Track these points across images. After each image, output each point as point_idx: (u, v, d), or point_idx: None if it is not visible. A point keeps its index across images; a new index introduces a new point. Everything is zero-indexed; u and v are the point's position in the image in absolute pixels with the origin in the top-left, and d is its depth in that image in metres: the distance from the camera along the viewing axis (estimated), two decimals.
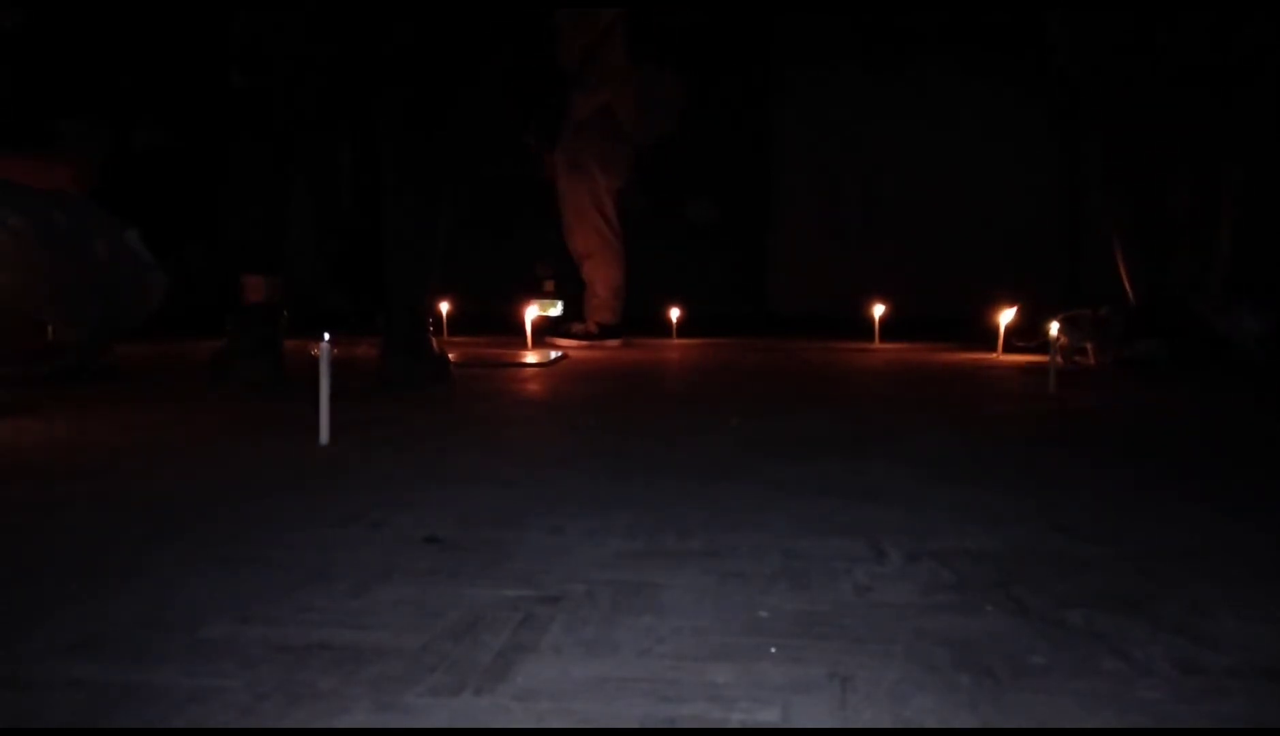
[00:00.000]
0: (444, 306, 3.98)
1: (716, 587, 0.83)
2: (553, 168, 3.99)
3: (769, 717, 0.59)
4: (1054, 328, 2.42)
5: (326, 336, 1.49)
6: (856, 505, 1.14)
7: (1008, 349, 3.41)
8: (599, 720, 0.58)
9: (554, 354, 3.41)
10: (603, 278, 3.95)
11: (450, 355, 2.57)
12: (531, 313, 3.87)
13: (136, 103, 3.71)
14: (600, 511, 1.10)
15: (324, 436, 1.51)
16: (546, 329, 4.07)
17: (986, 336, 3.52)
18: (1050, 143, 5.20)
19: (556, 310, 4.39)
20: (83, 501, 1.16)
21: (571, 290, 4.21)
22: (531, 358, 3.27)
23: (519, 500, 1.17)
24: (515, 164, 4.36)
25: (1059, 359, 3.01)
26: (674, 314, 4.33)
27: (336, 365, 1.51)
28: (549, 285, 4.47)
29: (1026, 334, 3.41)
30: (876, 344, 3.93)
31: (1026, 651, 0.69)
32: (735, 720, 0.58)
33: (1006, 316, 3.41)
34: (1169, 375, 2.80)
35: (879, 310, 4.04)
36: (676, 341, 4.18)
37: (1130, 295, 3.19)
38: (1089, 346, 3.11)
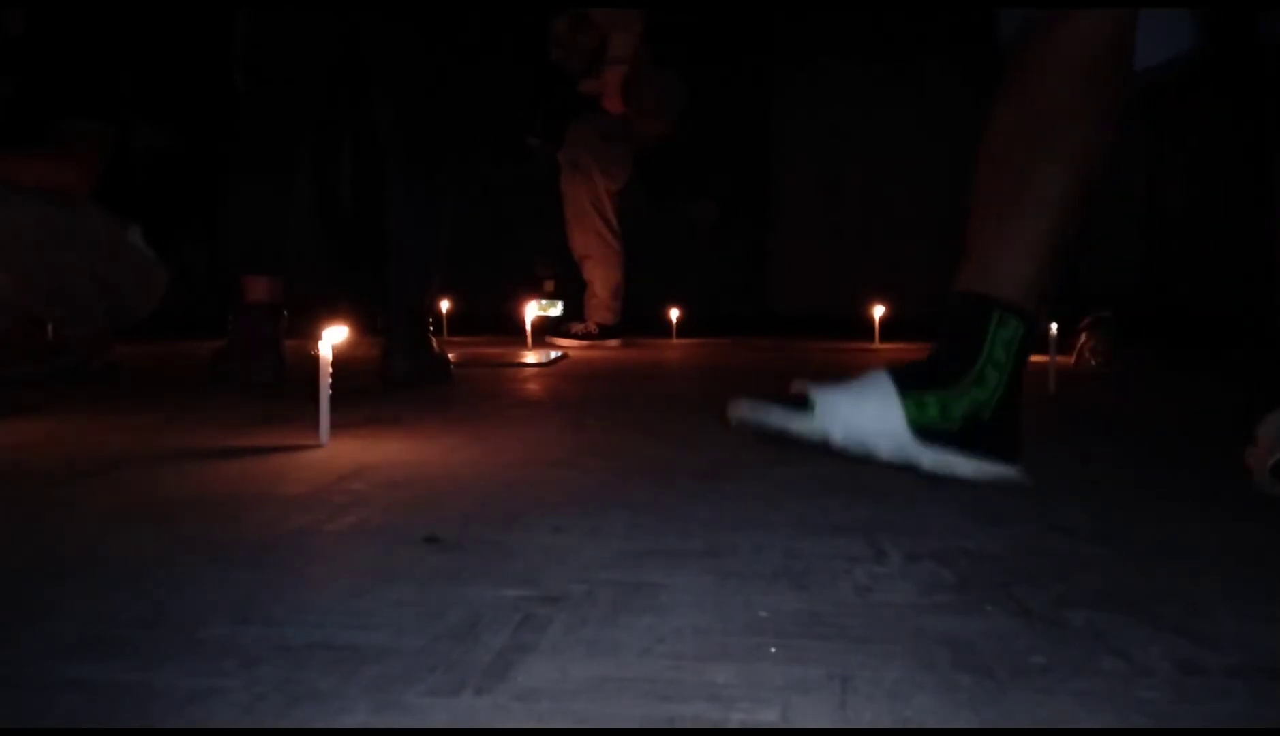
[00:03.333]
0: (444, 306, 3.98)
1: (716, 587, 0.83)
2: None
3: (769, 717, 0.59)
4: (1054, 328, 2.41)
5: (327, 336, 1.49)
6: (856, 505, 1.14)
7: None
8: (599, 720, 0.58)
9: (554, 354, 3.41)
10: (602, 278, 3.95)
11: (450, 355, 2.57)
12: (531, 312, 3.87)
13: (138, 103, 3.71)
14: (600, 511, 1.10)
15: (324, 436, 1.51)
16: (546, 329, 4.07)
17: None
18: None
19: (556, 310, 4.39)
20: (83, 501, 1.16)
21: (571, 290, 4.22)
22: (531, 357, 3.27)
23: (519, 500, 1.17)
24: (516, 164, 4.36)
25: (1080, 359, 3.00)
26: (674, 314, 4.33)
27: (336, 365, 1.51)
28: (549, 285, 4.48)
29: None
30: (877, 344, 3.93)
31: (1026, 651, 0.69)
32: (735, 720, 0.58)
33: None
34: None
35: (879, 310, 4.04)
36: (676, 341, 4.18)
37: None
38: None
